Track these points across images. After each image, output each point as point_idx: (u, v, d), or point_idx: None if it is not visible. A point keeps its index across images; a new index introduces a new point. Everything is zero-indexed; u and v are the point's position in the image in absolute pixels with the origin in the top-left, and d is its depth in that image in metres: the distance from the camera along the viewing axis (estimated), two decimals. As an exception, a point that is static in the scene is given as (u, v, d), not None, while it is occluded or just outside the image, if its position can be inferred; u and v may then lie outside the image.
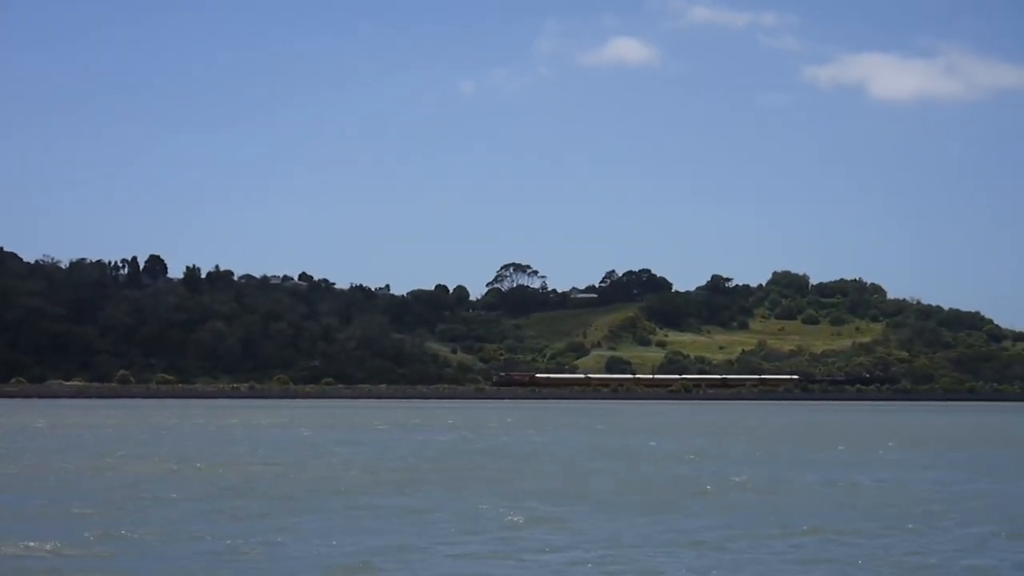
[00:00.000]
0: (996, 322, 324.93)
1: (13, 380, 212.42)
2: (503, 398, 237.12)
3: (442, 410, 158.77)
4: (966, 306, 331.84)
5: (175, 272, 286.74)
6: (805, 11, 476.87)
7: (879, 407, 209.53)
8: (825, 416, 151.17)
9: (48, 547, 28.90)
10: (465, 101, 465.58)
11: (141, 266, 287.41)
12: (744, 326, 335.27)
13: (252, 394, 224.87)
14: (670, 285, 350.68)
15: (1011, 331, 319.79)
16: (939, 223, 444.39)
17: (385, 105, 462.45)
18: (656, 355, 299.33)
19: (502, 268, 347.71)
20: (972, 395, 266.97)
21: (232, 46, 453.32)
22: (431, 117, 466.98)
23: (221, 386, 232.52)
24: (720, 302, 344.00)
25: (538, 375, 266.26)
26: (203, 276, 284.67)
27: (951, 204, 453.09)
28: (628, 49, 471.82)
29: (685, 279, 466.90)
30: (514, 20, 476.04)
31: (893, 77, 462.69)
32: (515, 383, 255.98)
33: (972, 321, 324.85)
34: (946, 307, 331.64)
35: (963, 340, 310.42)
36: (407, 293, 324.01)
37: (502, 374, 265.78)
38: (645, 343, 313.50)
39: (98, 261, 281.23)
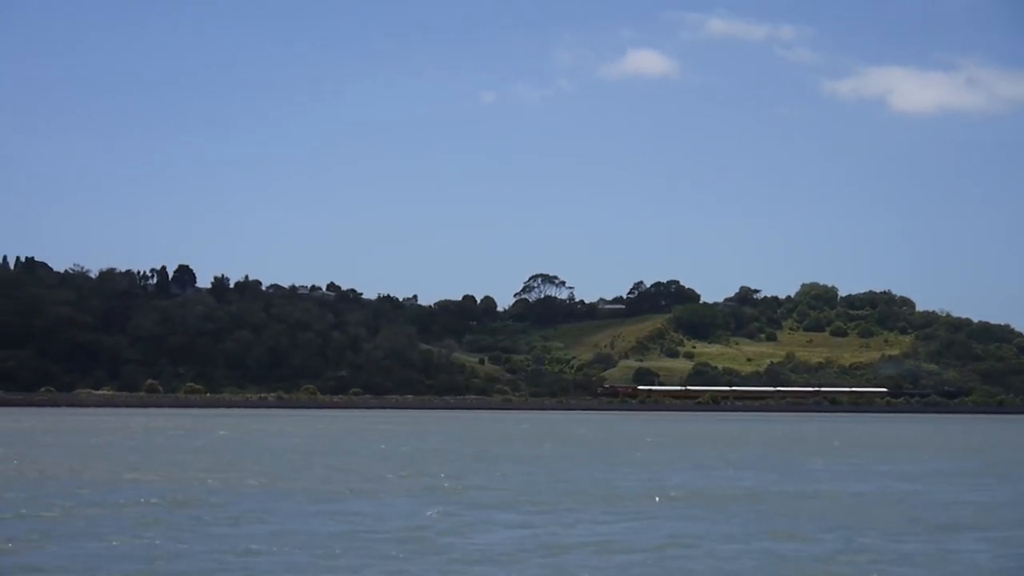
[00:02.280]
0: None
1: (43, 389, 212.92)
2: (531, 409, 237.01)
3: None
4: (995, 319, 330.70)
5: (203, 282, 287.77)
6: (822, 24, 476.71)
7: (900, 419, 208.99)
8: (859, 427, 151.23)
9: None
10: (487, 113, 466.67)
11: (170, 276, 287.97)
12: (772, 338, 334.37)
13: (280, 404, 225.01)
14: (698, 296, 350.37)
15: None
16: (967, 236, 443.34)
17: (410, 116, 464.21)
18: (684, 366, 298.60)
19: (530, 279, 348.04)
20: (1002, 408, 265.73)
21: (263, 57, 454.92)
22: (453, 128, 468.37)
23: (249, 396, 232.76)
24: (748, 314, 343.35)
25: (639, 387, 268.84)
26: (231, 286, 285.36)
27: (979, 217, 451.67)
28: (647, 61, 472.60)
29: (713, 290, 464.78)
30: (531, 33, 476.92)
31: (914, 90, 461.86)
32: (617, 394, 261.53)
33: (1002, 334, 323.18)
34: (975, 320, 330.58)
35: (993, 353, 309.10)
36: (435, 303, 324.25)
37: (606, 386, 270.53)
38: (673, 354, 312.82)
39: (127, 271, 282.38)
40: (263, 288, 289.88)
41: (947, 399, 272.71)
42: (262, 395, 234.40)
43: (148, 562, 28.89)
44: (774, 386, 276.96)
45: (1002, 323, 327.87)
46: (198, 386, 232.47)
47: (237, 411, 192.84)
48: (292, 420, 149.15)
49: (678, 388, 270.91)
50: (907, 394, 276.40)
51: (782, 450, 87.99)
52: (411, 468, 61.56)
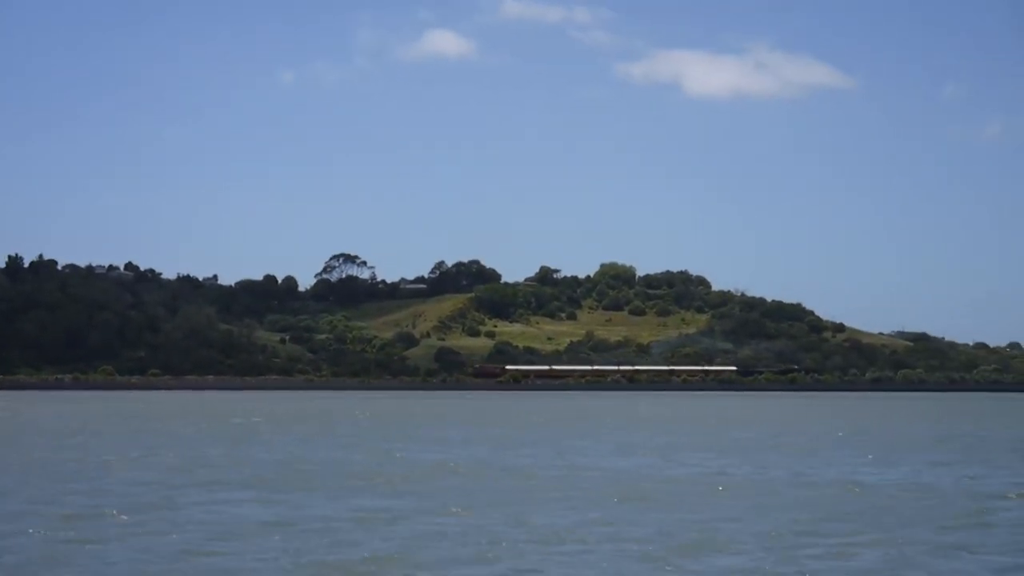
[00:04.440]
0: (817, 313, 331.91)
1: None
2: (333, 388, 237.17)
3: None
4: (788, 298, 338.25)
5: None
6: (616, 6, 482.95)
7: (693, 396, 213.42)
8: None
9: None
10: (286, 91, 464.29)
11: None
12: (572, 317, 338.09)
13: (76, 385, 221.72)
14: (499, 276, 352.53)
15: (831, 322, 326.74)
16: (761, 217, 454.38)
17: (209, 93, 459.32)
18: (485, 345, 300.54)
19: (331, 258, 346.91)
20: (794, 385, 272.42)
21: (54, 42, 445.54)
22: (252, 106, 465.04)
23: (44, 377, 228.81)
24: (548, 293, 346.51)
25: (508, 367, 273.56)
26: (26, 265, 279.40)
27: (773, 198, 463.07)
28: (444, 41, 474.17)
29: (514, 270, 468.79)
30: (330, 12, 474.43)
31: (706, 74, 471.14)
32: (488, 375, 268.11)
33: (794, 312, 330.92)
34: (769, 299, 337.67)
35: (785, 331, 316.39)
36: (235, 283, 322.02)
37: (477, 366, 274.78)
38: (474, 333, 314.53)
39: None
40: (59, 268, 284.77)
41: (741, 376, 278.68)
42: (58, 376, 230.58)
43: None
44: (573, 365, 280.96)
45: (794, 302, 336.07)
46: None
47: (30, 393, 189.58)
48: (80, 402, 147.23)
49: (545, 368, 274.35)
50: (703, 371, 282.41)
51: (551, 427, 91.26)
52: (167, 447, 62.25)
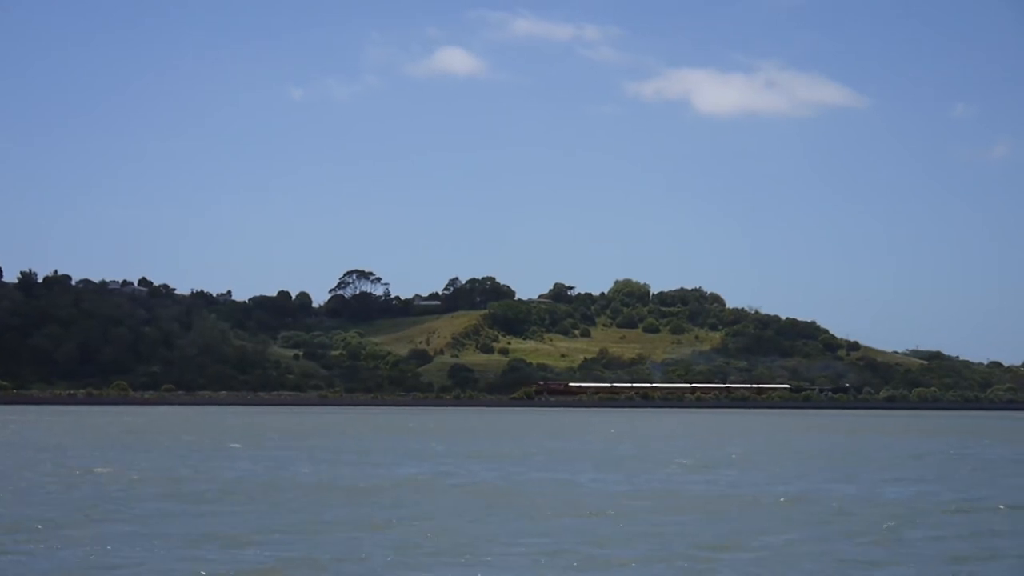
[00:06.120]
0: (831, 331, 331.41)
1: None
2: (346, 404, 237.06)
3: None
4: (802, 315, 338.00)
5: (10, 276, 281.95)
6: (626, 24, 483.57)
7: (702, 413, 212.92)
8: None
9: None
10: (296, 108, 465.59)
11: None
12: (586, 334, 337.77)
13: (89, 400, 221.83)
14: (513, 293, 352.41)
15: (845, 340, 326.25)
16: (774, 234, 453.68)
17: (219, 111, 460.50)
18: (499, 362, 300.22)
19: (345, 274, 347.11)
20: (808, 403, 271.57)
21: (66, 54, 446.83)
22: (263, 123, 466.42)
23: (58, 392, 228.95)
24: (562, 310, 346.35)
25: (570, 384, 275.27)
26: (39, 281, 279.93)
27: (786, 216, 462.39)
28: (453, 59, 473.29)
29: (528, 287, 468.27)
30: (339, 30, 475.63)
31: (716, 92, 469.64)
32: (551, 391, 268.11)
33: (808, 330, 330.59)
34: (783, 317, 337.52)
35: (799, 349, 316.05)
36: (249, 299, 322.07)
37: (540, 383, 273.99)
38: (488, 350, 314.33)
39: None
40: (73, 283, 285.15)
41: (755, 394, 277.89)
42: (71, 392, 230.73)
43: None
44: (586, 382, 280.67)
45: (808, 319, 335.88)
46: (5, 382, 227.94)
47: (42, 408, 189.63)
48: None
49: (605, 385, 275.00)
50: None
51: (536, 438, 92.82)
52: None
